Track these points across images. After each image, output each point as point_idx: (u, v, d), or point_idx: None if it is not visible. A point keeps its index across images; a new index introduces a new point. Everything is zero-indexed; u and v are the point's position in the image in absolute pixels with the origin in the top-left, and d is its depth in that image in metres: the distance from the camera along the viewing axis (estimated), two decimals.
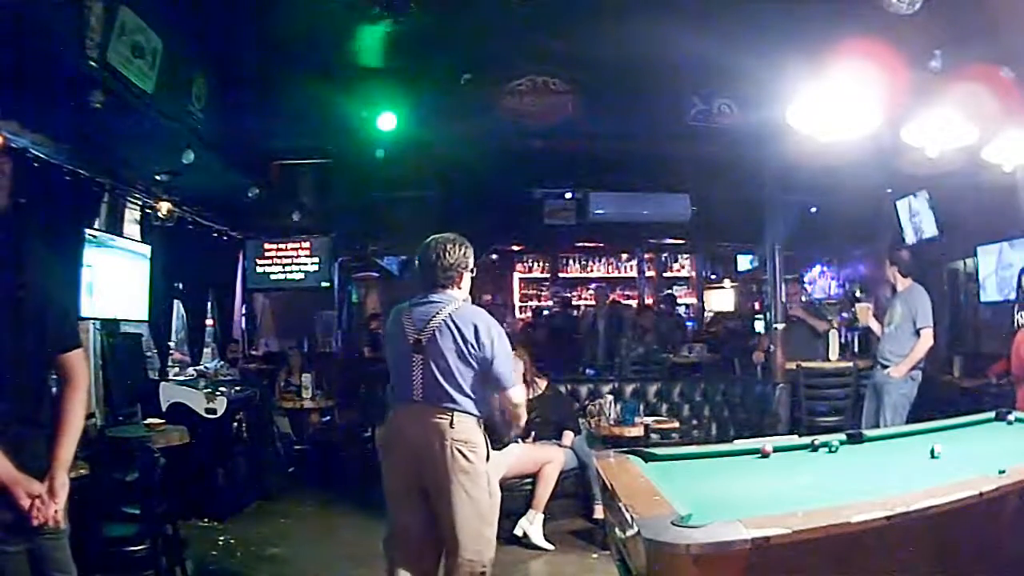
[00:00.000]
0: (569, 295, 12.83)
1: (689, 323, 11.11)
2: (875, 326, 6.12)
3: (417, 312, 3.15)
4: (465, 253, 3.21)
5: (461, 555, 2.98)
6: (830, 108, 4.34)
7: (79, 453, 2.42)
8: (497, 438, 5.10)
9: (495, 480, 3.14)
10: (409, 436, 3.08)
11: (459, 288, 3.21)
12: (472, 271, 3.27)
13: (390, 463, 3.16)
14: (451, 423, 3.01)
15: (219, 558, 4.83)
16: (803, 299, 10.03)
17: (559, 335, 10.23)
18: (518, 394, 3.27)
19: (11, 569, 2.24)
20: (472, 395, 3.06)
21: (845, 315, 7.95)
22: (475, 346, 3.05)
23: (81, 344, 2.53)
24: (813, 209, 8.47)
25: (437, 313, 3.09)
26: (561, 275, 13.21)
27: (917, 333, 5.60)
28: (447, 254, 3.16)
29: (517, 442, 5.29)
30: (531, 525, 5.06)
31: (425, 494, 3.06)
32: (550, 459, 5.22)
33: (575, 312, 12.08)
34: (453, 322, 3.06)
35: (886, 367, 5.66)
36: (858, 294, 8.42)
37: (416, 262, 3.26)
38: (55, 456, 2.32)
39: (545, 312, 12.42)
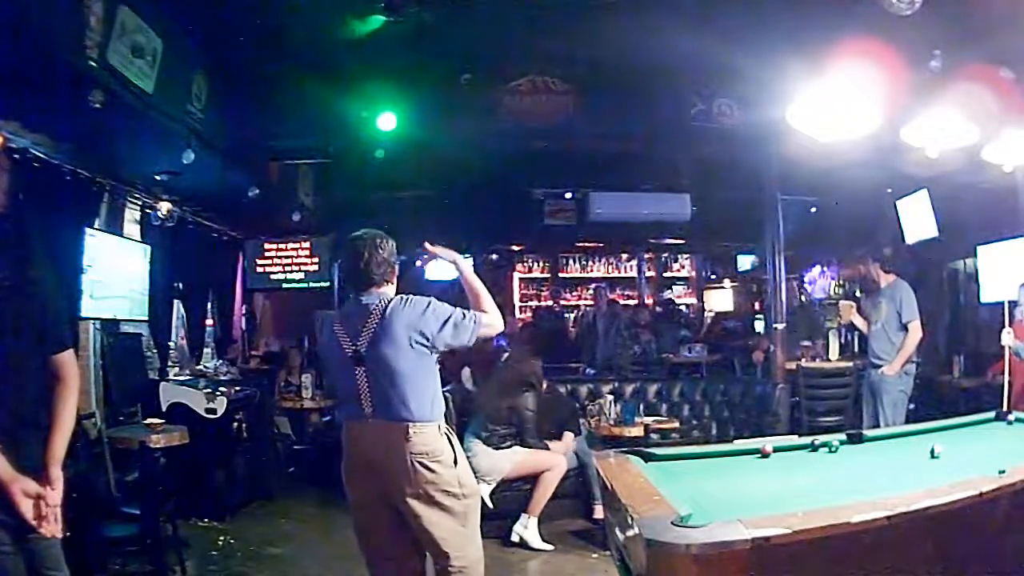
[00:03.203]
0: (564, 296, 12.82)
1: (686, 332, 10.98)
2: (859, 322, 6.11)
3: (349, 319, 2.93)
4: (393, 248, 3.02)
5: (449, 563, 2.86)
6: (830, 108, 4.34)
7: (80, 453, 2.45)
8: (529, 434, 5.13)
9: (467, 478, 2.95)
10: (366, 455, 2.89)
11: (391, 284, 2.99)
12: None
13: (352, 485, 2.96)
14: (407, 436, 2.80)
15: (219, 558, 4.81)
16: (804, 299, 10.04)
17: (551, 336, 10.21)
18: (487, 328, 2.99)
19: (7, 568, 2.26)
20: (427, 399, 2.86)
21: None
22: (422, 336, 2.83)
23: (71, 345, 2.54)
24: (813, 209, 8.47)
25: (370, 316, 2.86)
26: (561, 275, 13.18)
27: (904, 328, 5.61)
28: (380, 249, 2.95)
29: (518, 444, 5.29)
30: (526, 530, 5.03)
31: (394, 508, 2.90)
32: (551, 466, 5.19)
33: (568, 312, 12.08)
34: (390, 321, 2.83)
35: (879, 366, 5.67)
36: (858, 294, 8.43)
37: (347, 262, 3.02)
38: (48, 453, 2.36)
39: (537, 312, 12.42)
